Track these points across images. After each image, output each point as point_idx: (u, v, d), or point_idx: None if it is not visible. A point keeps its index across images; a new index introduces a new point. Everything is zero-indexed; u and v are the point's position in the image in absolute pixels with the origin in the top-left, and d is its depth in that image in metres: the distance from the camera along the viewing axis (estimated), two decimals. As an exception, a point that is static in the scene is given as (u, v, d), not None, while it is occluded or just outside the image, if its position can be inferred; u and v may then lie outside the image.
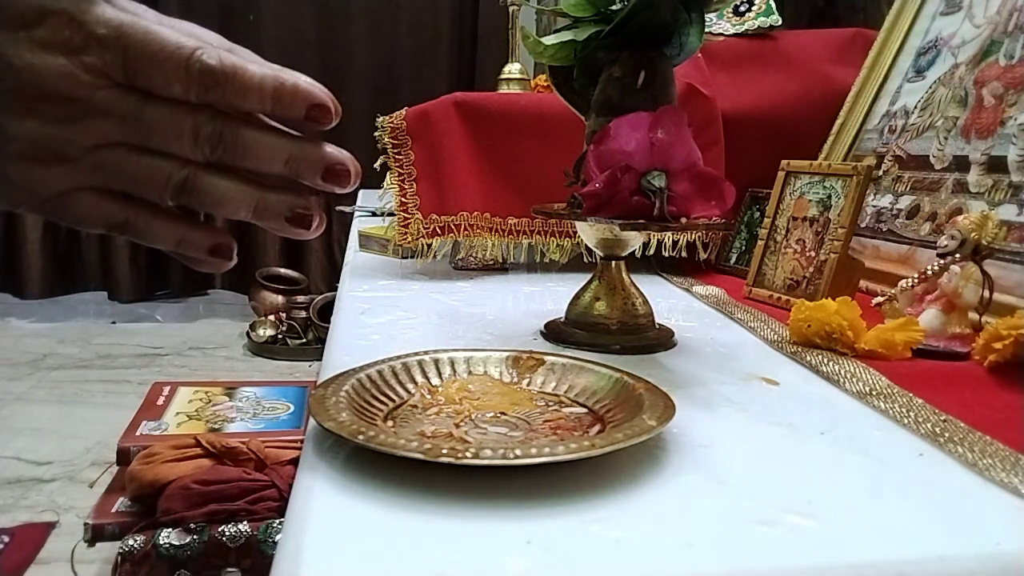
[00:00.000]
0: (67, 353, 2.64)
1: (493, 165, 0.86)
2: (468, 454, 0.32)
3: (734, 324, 0.67)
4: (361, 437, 0.34)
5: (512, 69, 1.33)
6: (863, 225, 0.79)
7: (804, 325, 0.57)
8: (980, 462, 0.37)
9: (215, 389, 1.62)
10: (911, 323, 0.56)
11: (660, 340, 0.59)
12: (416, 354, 0.47)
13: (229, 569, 1.13)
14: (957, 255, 0.58)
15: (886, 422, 0.44)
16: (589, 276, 0.62)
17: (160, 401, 1.53)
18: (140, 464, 1.24)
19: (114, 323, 3.03)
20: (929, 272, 0.60)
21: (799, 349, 0.57)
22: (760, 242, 0.77)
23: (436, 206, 0.83)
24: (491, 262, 0.88)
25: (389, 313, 0.67)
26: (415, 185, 0.83)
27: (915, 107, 0.80)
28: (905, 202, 0.77)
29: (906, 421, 0.43)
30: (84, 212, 0.33)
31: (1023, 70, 0.68)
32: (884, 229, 0.78)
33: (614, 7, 0.54)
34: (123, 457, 1.32)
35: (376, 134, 0.84)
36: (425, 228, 0.82)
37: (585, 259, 0.86)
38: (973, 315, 0.58)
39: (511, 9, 1.32)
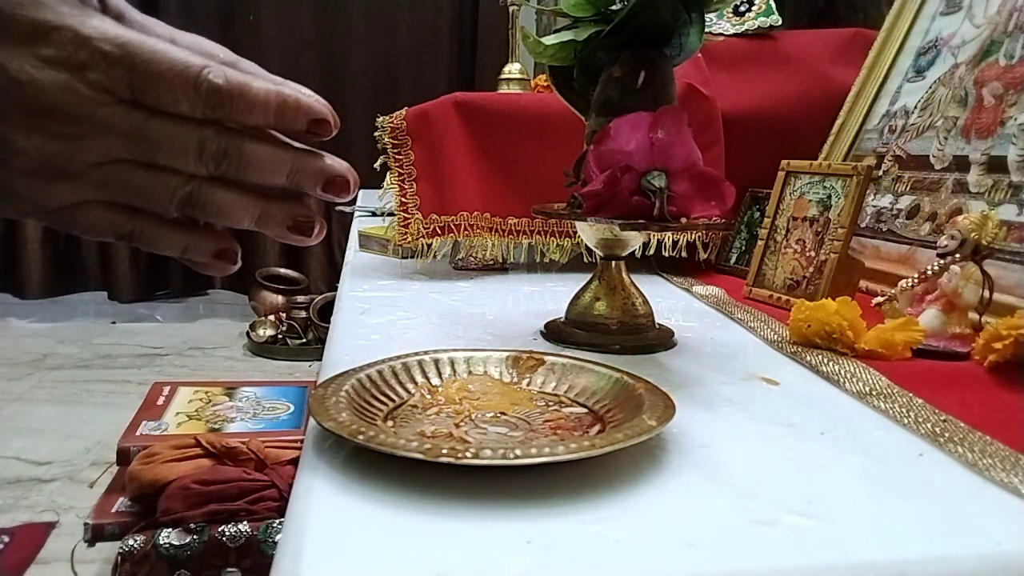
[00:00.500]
0: (67, 353, 2.64)
1: (493, 165, 0.86)
2: (468, 454, 0.32)
3: (734, 324, 0.67)
4: (361, 437, 0.34)
5: (512, 69, 1.33)
6: (863, 225, 0.79)
7: (804, 325, 0.57)
8: (980, 462, 0.37)
9: (215, 389, 1.62)
10: (911, 323, 0.56)
11: (660, 340, 0.59)
12: (416, 354, 0.47)
13: (229, 569, 1.13)
14: (957, 255, 0.58)
15: (886, 422, 0.44)
16: (589, 276, 0.62)
17: (160, 401, 1.53)
18: (140, 464, 1.24)
19: (114, 323, 3.03)
20: (929, 272, 0.60)
21: (799, 349, 0.57)
22: (760, 242, 0.77)
23: (436, 206, 0.83)
24: (491, 262, 0.88)
25: (389, 313, 0.67)
26: (415, 185, 0.83)
27: (915, 107, 0.80)
28: (905, 202, 0.77)
29: (906, 421, 0.43)
30: (91, 223, 0.34)
31: (1023, 70, 0.68)
32: (884, 229, 0.78)
33: (614, 7, 0.54)
34: (123, 457, 1.32)
35: (376, 134, 0.84)
36: (425, 228, 0.82)
37: (585, 259, 0.86)
38: (973, 315, 0.58)
39: (511, 9, 1.32)
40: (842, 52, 1.00)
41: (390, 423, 0.40)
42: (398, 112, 0.85)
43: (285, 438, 1.36)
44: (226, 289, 3.34)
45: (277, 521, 1.15)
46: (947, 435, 0.40)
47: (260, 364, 2.63)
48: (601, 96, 0.56)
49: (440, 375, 0.46)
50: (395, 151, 0.84)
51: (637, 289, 0.61)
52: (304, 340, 2.76)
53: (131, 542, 1.12)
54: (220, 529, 1.13)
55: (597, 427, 0.40)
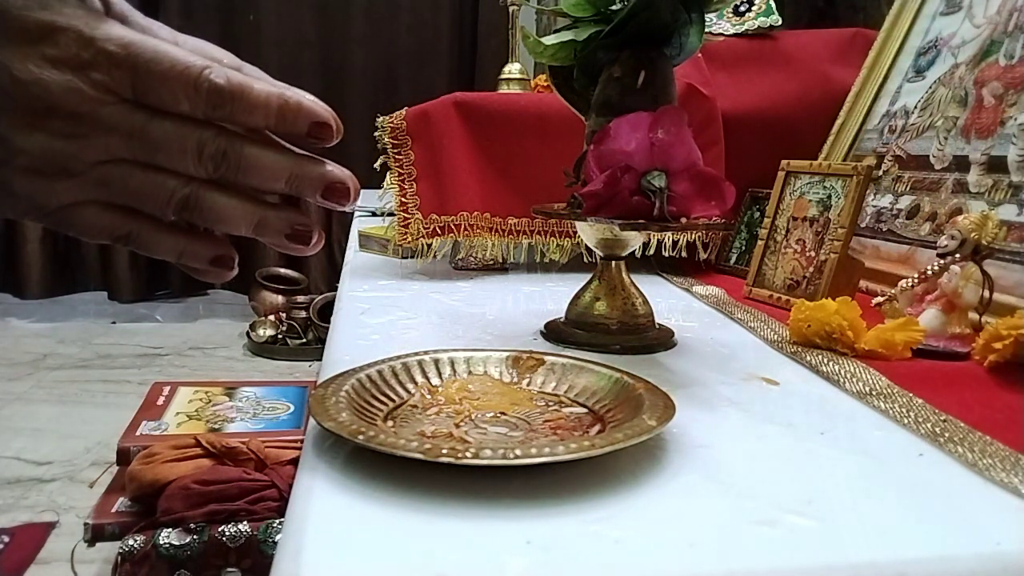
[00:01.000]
0: (67, 353, 2.64)
1: (493, 165, 0.86)
2: (468, 454, 0.32)
3: (734, 324, 0.67)
4: (361, 437, 0.34)
5: (512, 69, 1.33)
6: (863, 225, 0.79)
7: (804, 325, 0.57)
8: (980, 462, 0.37)
9: (215, 389, 1.62)
10: (911, 323, 0.56)
11: (660, 340, 0.59)
12: (416, 354, 0.47)
13: (229, 569, 1.13)
14: (957, 255, 0.58)
15: (886, 422, 0.44)
16: (589, 276, 0.62)
17: (160, 401, 1.53)
18: (140, 464, 1.24)
19: (114, 323, 3.03)
20: (929, 272, 0.60)
21: (799, 349, 0.57)
22: (760, 242, 0.77)
23: (436, 206, 0.83)
24: (491, 262, 0.88)
25: (389, 313, 0.67)
26: (415, 185, 0.83)
27: (915, 107, 0.80)
28: (905, 202, 0.77)
29: (906, 421, 0.43)
30: (88, 224, 0.34)
31: (1023, 70, 0.68)
32: (884, 229, 0.78)
33: (614, 7, 0.54)
34: (123, 457, 1.32)
35: (376, 134, 0.84)
36: (425, 228, 0.82)
37: (585, 259, 0.86)
38: (973, 315, 0.58)
39: (511, 9, 1.32)
40: (842, 52, 1.00)
41: (390, 423, 0.40)
42: (398, 112, 0.85)
43: (285, 438, 1.36)
44: (226, 289, 3.33)
45: (277, 521, 1.15)
46: (947, 435, 0.40)
47: (260, 364, 2.63)
48: (601, 96, 0.56)
49: (440, 375, 0.46)
50: (395, 151, 0.84)
51: (637, 289, 0.61)
52: (304, 340, 2.76)
53: (131, 542, 1.12)
54: (220, 529, 1.13)
55: (597, 427, 0.40)
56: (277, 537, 1.13)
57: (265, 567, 1.00)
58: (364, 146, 0.98)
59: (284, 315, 2.82)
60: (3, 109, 0.30)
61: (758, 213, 0.89)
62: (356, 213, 1.31)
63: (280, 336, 2.75)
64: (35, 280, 3.17)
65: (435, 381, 0.45)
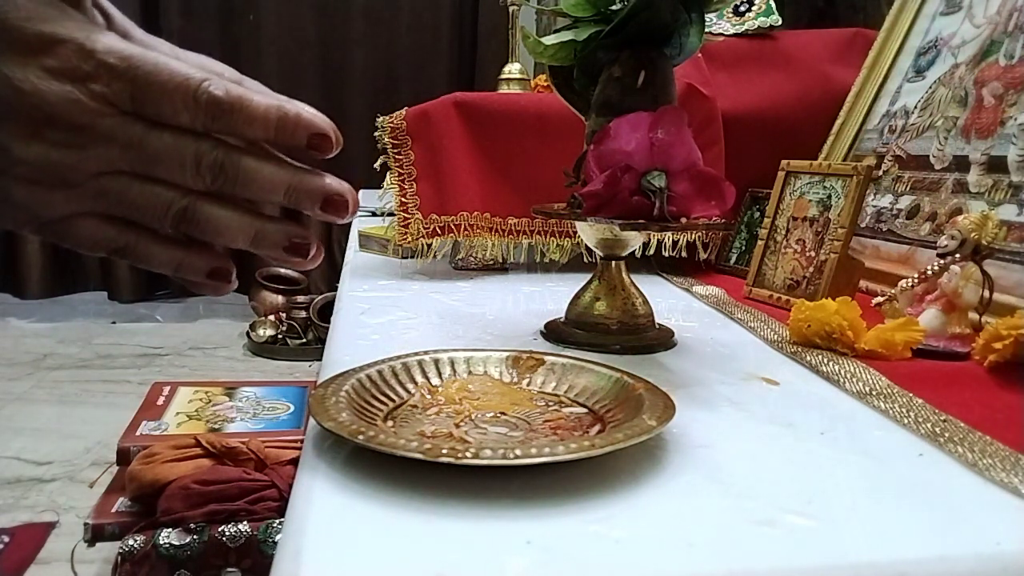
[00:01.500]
0: (67, 353, 2.63)
1: (493, 165, 0.86)
2: (468, 454, 0.32)
3: (734, 324, 0.67)
4: (361, 437, 0.34)
5: (512, 69, 1.33)
6: (863, 225, 0.79)
7: (804, 325, 0.57)
8: (980, 462, 0.37)
9: (215, 389, 1.61)
10: (911, 323, 0.56)
11: (660, 340, 0.59)
12: (416, 354, 0.47)
13: (229, 569, 1.13)
14: (957, 255, 0.58)
15: (886, 422, 0.44)
16: (589, 276, 0.62)
17: (160, 401, 1.53)
18: (140, 464, 1.24)
19: (114, 323, 3.03)
20: (929, 272, 0.60)
21: (799, 349, 0.57)
22: (760, 242, 0.77)
23: (436, 206, 0.83)
24: (491, 262, 0.88)
25: (389, 313, 0.67)
26: (415, 185, 0.83)
27: (915, 107, 0.80)
28: (905, 202, 0.77)
29: (906, 421, 0.43)
30: (85, 236, 0.34)
31: (1023, 70, 0.68)
32: (884, 229, 0.78)
33: (614, 7, 0.54)
34: (123, 457, 1.32)
35: (376, 134, 0.84)
36: (425, 228, 0.82)
37: (585, 259, 0.86)
38: (973, 315, 0.58)
39: (511, 9, 1.32)
40: (842, 52, 1.00)
41: (390, 423, 0.40)
42: (398, 112, 0.85)
43: (285, 438, 1.36)
44: (223, 295, 3.33)
45: (277, 521, 1.15)
46: (947, 435, 0.40)
47: (260, 364, 2.63)
48: (601, 96, 0.56)
49: (440, 375, 0.46)
50: (395, 151, 0.84)
51: (637, 289, 0.61)
52: (304, 340, 2.76)
53: (131, 542, 1.12)
54: (220, 529, 1.13)
55: (597, 427, 0.40)
56: (277, 537, 1.13)
57: (265, 567, 1.00)
58: (364, 146, 0.98)
59: (284, 315, 2.82)
60: (3, 119, 0.30)
61: (758, 213, 0.89)
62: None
63: (280, 336, 2.75)
64: (35, 280, 3.17)
65: (435, 381, 0.45)
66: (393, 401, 0.42)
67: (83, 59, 0.30)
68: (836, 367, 0.52)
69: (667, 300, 0.76)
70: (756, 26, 1.02)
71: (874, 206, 0.80)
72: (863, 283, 0.72)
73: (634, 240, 0.60)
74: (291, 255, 0.35)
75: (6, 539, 1.46)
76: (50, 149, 0.31)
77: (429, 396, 0.43)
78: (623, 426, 0.37)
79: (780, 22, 1.02)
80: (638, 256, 0.85)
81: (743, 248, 0.90)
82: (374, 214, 1.19)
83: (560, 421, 0.41)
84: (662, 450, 0.38)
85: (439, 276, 0.85)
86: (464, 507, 0.32)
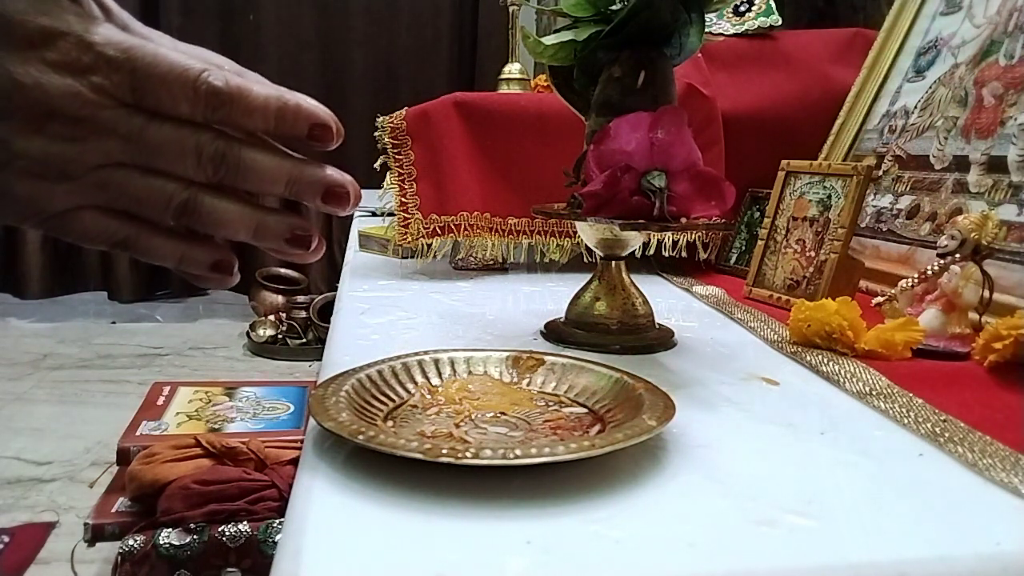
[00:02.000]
0: (67, 353, 2.64)
1: (493, 165, 0.86)
2: (468, 454, 0.32)
3: (734, 324, 0.67)
4: (361, 437, 0.34)
5: (512, 69, 1.33)
6: (863, 225, 0.79)
7: (804, 325, 0.57)
8: (980, 462, 0.37)
9: (215, 389, 1.62)
10: (911, 323, 0.56)
11: (660, 340, 0.59)
12: (416, 354, 0.47)
13: (229, 569, 1.13)
14: (957, 255, 0.58)
15: (886, 422, 0.44)
16: (589, 276, 0.62)
17: (160, 401, 1.53)
18: (140, 464, 1.24)
19: (114, 323, 3.03)
20: (929, 272, 0.60)
21: (799, 349, 0.57)
22: (760, 242, 0.77)
23: (436, 206, 0.83)
24: (491, 262, 0.88)
25: (389, 313, 0.67)
26: (415, 185, 0.83)
27: (915, 107, 0.80)
28: (905, 202, 0.77)
29: (906, 421, 0.43)
30: (86, 229, 0.33)
31: (1023, 70, 0.68)
32: (884, 229, 0.78)
33: (614, 7, 0.54)
34: (123, 457, 1.32)
35: (376, 134, 0.84)
36: (425, 228, 0.82)
37: (585, 259, 0.86)
38: (973, 315, 0.58)
39: (511, 9, 1.32)
40: (842, 52, 1.00)
41: (390, 423, 0.40)
42: (398, 112, 0.85)
43: (285, 438, 1.36)
44: (226, 289, 3.33)
45: (277, 521, 1.15)
46: (947, 435, 0.40)
47: (260, 364, 2.63)
48: (601, 96, 0.56)
49: (440, 375, 0.46)
50: (395, 151, 0.84)
51: (637, 289, 0.61)
52: (304, 340, 2.76)
53: (131, 542, 1.12)
54: (220, 529, 1.13)
55: (597, 427, 0.40)
56: (277, 537, 1.13)
57: (265, 567, 1.00)
58: (364, 146, 0.98)
59: (284, 315, 2.82)
60: (3, 112, 0.30)
61: (758, 213, 0.89)
62: (356, 213, 1.31)
63: (280, 336, 2.75)
64: (35, 280, 3.17)
65: (435, 381, 0.45)
66: (393, 401, 0.42)
67: (83, 51, 0.30)
68: (836, 367, 0.52)
69: (667, 300, 0.76)
70: (756, 26, 1.02)
71: (874, 206, 0.80)
72: (863, 283, 0.72)
73: (634, 240, 0.60)
74: (293, 247, 0.35)
75: (6, 539, 1.46)
76: (51, 142, 0.31)
77: (429, 396, 0.43)
78: (623, 426, 0.37)
79: (780, 22, 1.02)
80: (638, 256, 0.85)
81: (743, 248, 0.90)
82: (374, 214, 1.19)
83: (560, 421, 0.41)
84: (662, 450, 0.38)
85: (439, 276, 0.85)
86: (464, 507, 0.32)
